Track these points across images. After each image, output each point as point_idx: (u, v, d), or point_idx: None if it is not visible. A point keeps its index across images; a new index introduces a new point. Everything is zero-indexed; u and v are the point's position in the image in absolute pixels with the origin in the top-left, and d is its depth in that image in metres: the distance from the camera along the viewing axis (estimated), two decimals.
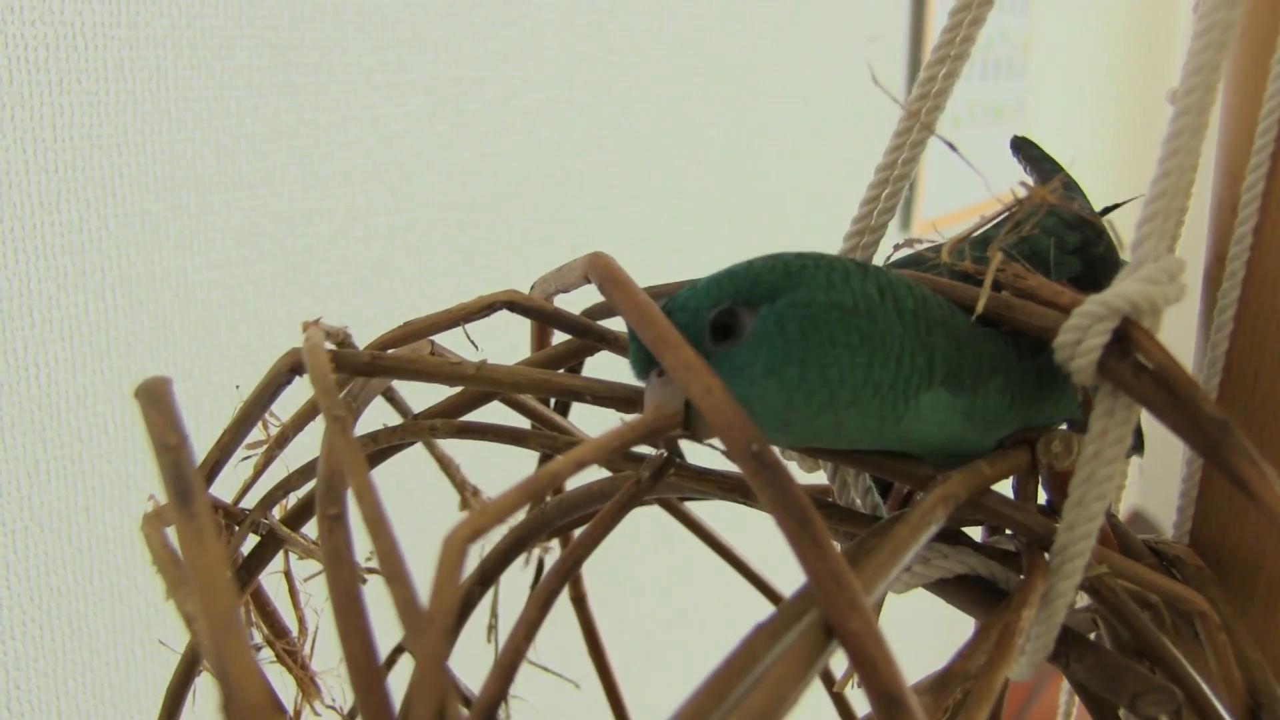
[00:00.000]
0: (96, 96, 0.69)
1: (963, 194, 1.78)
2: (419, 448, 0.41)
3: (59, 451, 0.70)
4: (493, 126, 0.99)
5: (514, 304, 0.34)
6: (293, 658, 0.43)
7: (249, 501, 0.40)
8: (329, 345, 0.35)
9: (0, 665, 0.68)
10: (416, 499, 0.85)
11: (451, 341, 0.39)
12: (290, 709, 0.44)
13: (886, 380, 0.29)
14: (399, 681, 0.42)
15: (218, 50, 0.76)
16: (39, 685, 0.71)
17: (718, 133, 1.29)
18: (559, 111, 1.06)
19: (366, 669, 0.21)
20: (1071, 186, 0.42)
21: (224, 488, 0.41)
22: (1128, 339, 0.29)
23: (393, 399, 0.43)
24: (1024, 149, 0.45)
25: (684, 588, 1.32)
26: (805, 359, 0.28)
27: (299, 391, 0.42)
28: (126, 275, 0.72)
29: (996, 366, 0.31)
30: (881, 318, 0.29)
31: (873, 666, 0.19)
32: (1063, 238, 0.36)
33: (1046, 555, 0.30)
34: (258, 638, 0.43)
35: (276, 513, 0.40)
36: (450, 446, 0.46)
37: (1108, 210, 0.42)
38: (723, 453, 0.28)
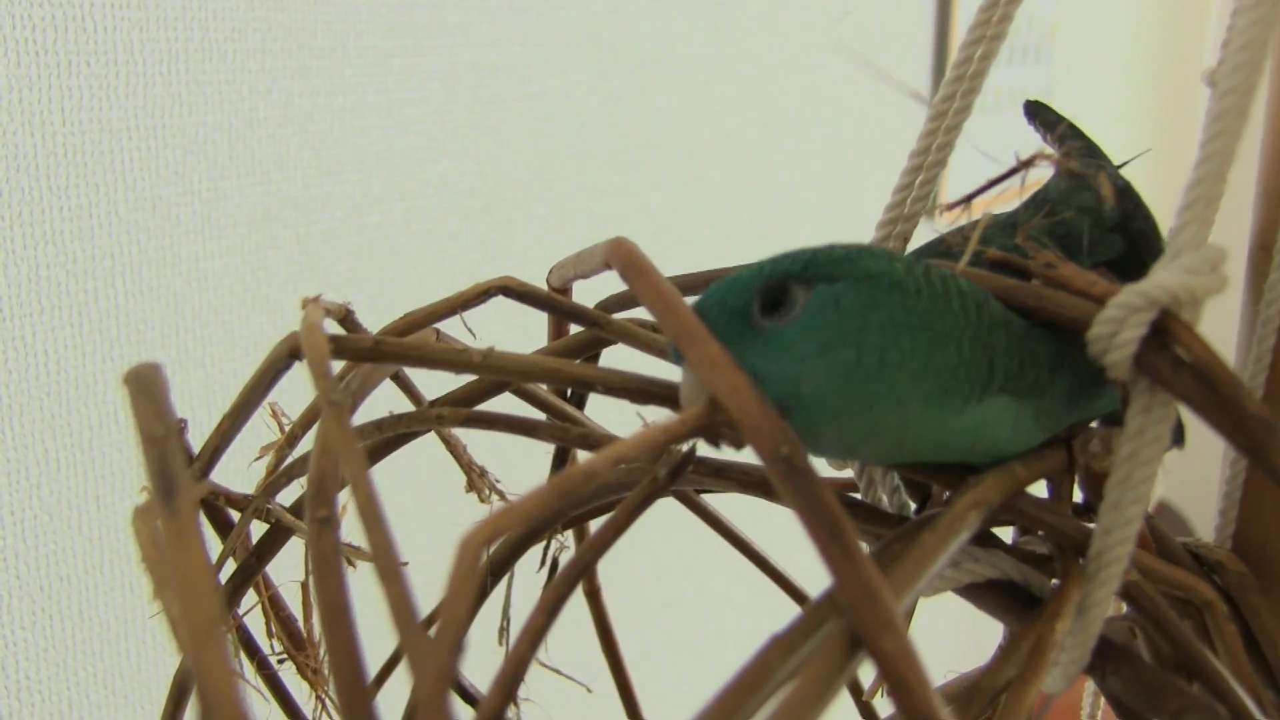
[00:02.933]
0: (106, 79, 0.68)
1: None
2: (432, 437, 0.40)
3: (68, 440, 0.69)
4: (510, 112, 0.97)
5: (509, 289, 0.33)
6: (306, 659, 0.42)
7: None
8: (330, 324, 0.34)
9: (10, 655, 0.68)
10: (430, 488, 0.84)
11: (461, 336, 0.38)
12: (309, 716, 0.43)
13: (948, 368, 0.27)
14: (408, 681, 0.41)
15: (230, 33, 0.75)
16: (49, 675, 0.70)
17: (739, 119, 1.27)
18: (577, 97, 1.04)
19: (353, 683, 0.19)
20: (1096, 153, 0.39)
21: (229, 474, 0.39)
22: (1166, 332, 0.27)
23: (403, 384, 0.42)
24: (1039, 114, 0.42)
25: (701, 581, 1.30)
26: (862, 341, 0.26)
27: (306, 380, 0.41)
28: (137, 261, 0.71)
29: (1057, 367, 0.29)
30: (942, 305, 0.27)
31: (907, 689, 0.18)
32: (1100, 213, 0.34)
33: (1081, 561, 0.28)
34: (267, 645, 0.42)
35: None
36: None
37: (1123, 165, 0.40)
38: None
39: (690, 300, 0.27)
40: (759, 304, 0.27)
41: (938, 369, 0.27)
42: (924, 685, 0.18)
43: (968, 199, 0.33)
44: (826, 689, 0.19)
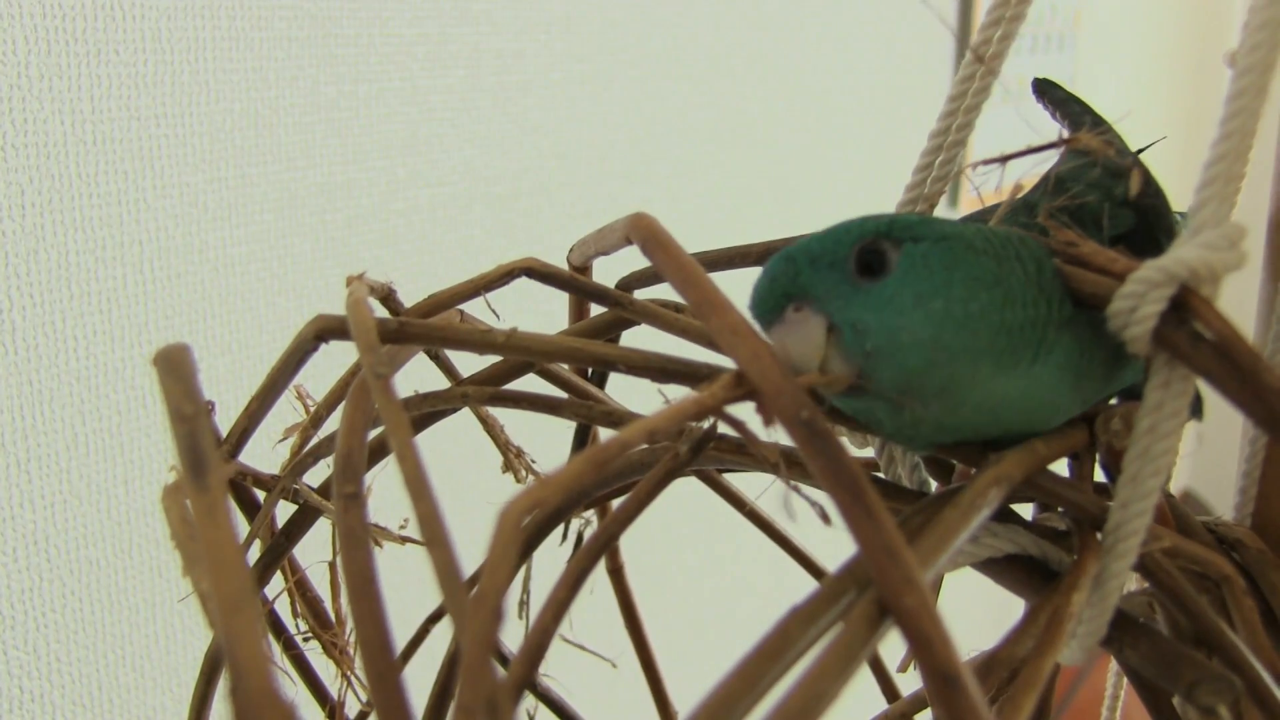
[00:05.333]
0: (134, 68, 0.69)
1: (1012, 168, 1.74)
2: (458, 417, 0.40)
3: (97, 425, 0.70)
4: (534, 98, 0.98)
5: (532, 270, 0.33)
6: (332, 640, 0.42)
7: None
8: (374, 302, 0.34)
9: (41, 637, 0.69)
10: (455, 470, 0.84)
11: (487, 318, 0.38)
12: (335, 695, 0.44)
13: (1016, 325, 0.28)
14: (436, 651, 0.41)
15: (257, 21, 0.75)
16: (79, 658, 0.71)
17: (762, 104, 1.27)
18: (601, 83, 1.05)
19: (381, 654, 0.20)
20: (1104, 128, 0.40)
21: (253, 458, 0.40)
22: (1185, 307, 0.27)
23: (439, 360, 0.42)
24: (1048, 91, 0.43)
25: (725, 560, 1.31)
26: (950, 293, 0.28)
27: (326, 364, 0.41)
28: (165, 248, 0.72)
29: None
30: (1010, 265, 0.29)
31: (929, 645, 0.18)
32: (1111, 189, 0.35)
33: (1099, 535, 0.28)
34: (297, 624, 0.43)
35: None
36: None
37: (1140, 151, 0.40)
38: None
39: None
40: (855, 262, 0.29)
41: (1009, 326, 0.28)
42: (945, 641, 0.18)
43: (1003, 159, 0.33)
44: (851, 659, 0.19)
